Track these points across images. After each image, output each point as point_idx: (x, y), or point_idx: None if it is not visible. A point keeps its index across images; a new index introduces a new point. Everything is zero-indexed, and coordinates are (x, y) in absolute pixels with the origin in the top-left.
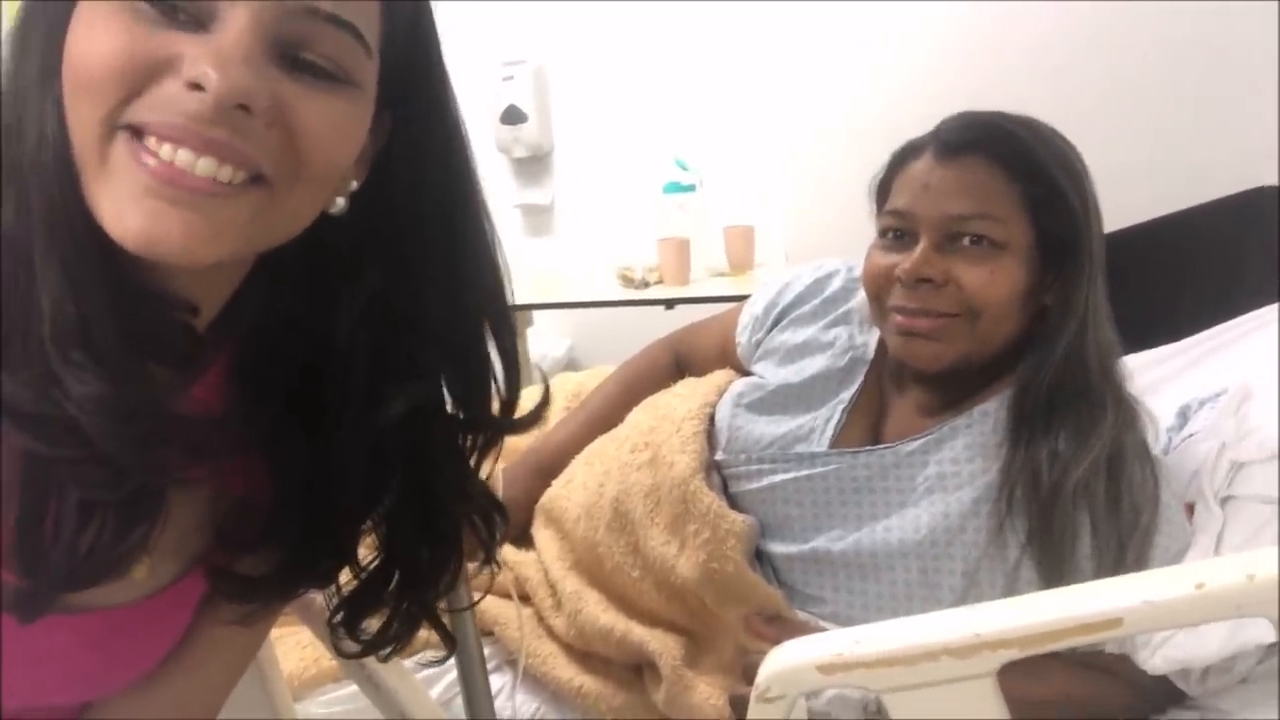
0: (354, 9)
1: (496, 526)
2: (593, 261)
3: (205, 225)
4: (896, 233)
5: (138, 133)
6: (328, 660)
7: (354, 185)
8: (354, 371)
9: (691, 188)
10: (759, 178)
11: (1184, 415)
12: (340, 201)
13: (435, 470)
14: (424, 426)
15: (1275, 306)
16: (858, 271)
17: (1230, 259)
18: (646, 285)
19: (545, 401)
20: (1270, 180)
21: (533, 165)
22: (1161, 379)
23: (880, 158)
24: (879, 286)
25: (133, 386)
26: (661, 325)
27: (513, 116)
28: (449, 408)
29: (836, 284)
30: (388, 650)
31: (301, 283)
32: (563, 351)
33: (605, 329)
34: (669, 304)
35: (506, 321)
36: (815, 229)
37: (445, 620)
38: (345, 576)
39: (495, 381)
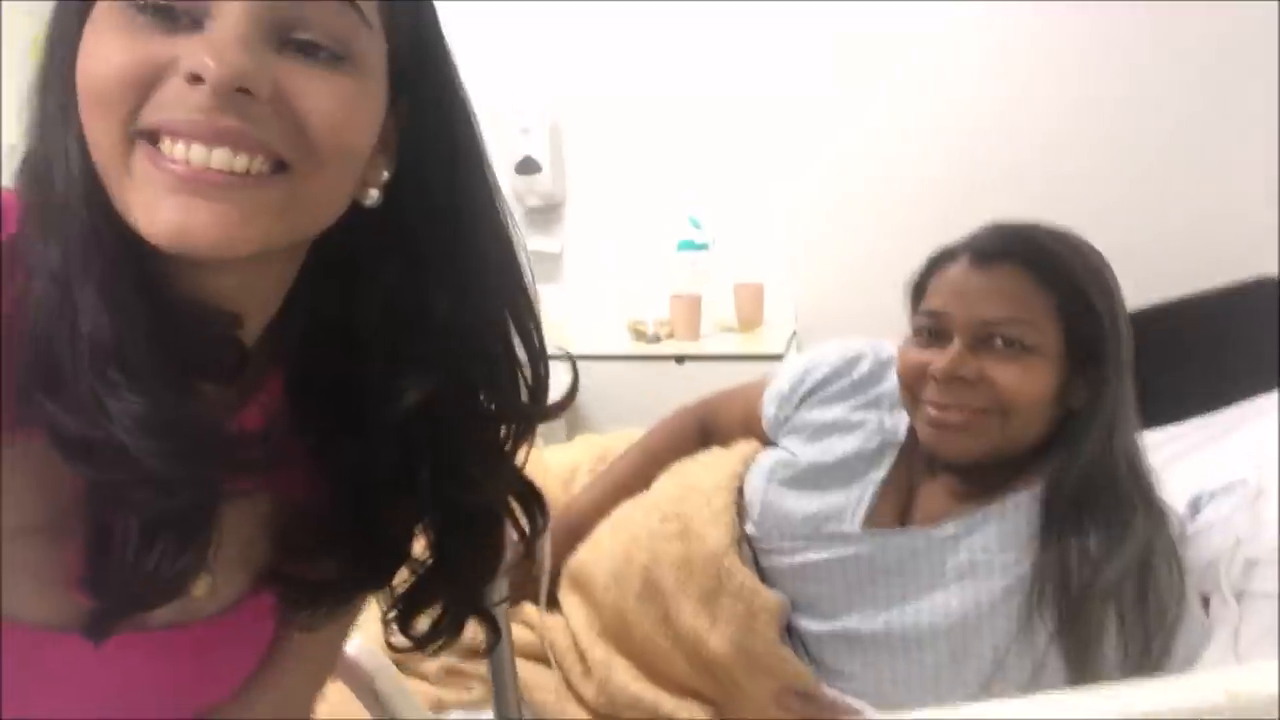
0: None
1: (536, 515)
2: (602, 312)
3: (235, 214)
4: (932, 332)
5: (154, 138)
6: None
7: (385, 175)
8: (373, 364)
9: (705, 246)
10: (769, 235)
11: (1195, 505)
12: (374, 193)
13: (467, 460)
14: (449, 418)
15: (1276, 394)
16: (885, 354)
17: (1230, 346)
18: (658, 339)
19: (574, 389)
20: (1269, 268)
21: (545, 214)
22: (1168, 460)
23: (889, 222)
24: (913, 381)
25: (172, 404)
26: (672, 379)
27: (528, 167)
28: (478, 397)
29: (865, 367)
30: (439, 644)
31: (330, 276)
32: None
33: (612, 378)
34: (680, 359)
35: (528, 309)
36: (824, 288)
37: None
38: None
39: (521, 370)
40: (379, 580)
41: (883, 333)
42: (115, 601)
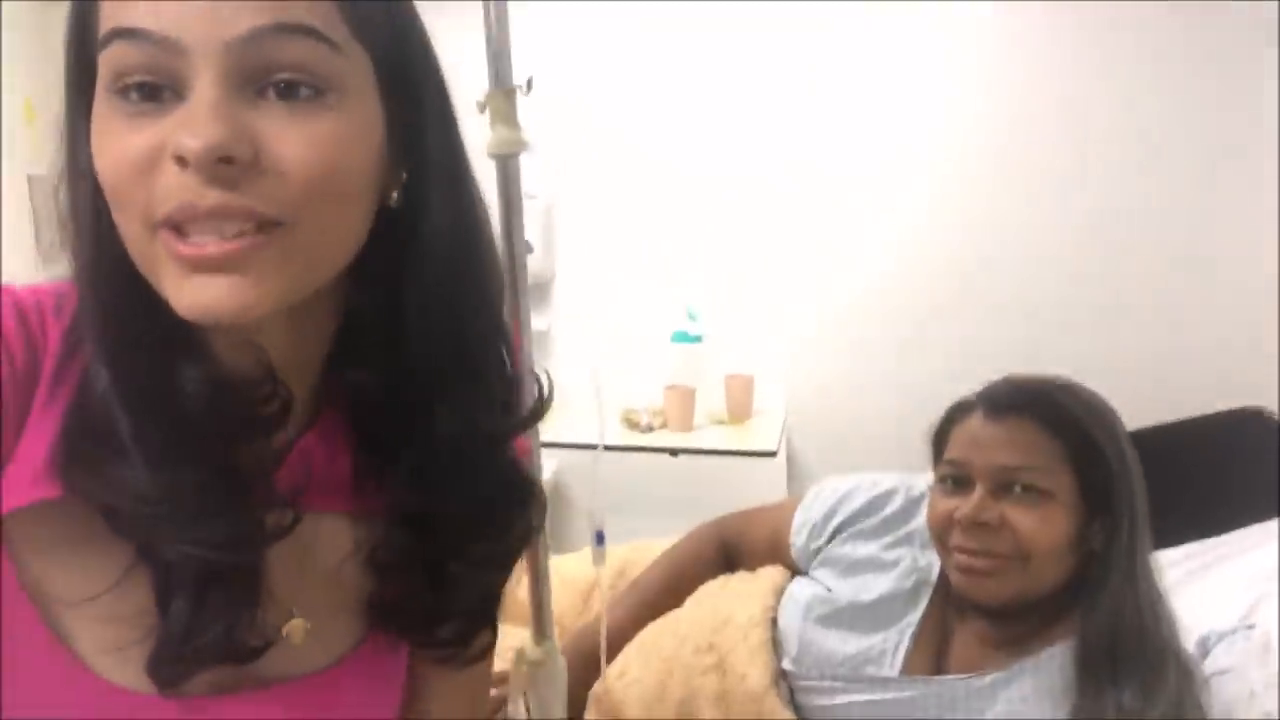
0: (303, 10)
1: (534, 506)
2: (589, 395)
3: (247, 281)
4: (955, 480)
5: (173, 226)
6: None
7: (403, 175)
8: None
9: (699, 338)
10: (760, 327)
11: (1204, 646)
12: (394, 195)
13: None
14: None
15: (1274, 523)
16: (915, 491)
17: (1222, 473)
18: (651, 429)
19: (546, 397)
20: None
21: (534, 292)
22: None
23: (880, 319)
24: (942, 528)
25: (193, 474)
26: (667, 470)
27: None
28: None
29: (897, 504)
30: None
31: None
32: (549, 474)
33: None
34: (674, 452)
35: (503, 323)
36: (814, 381)
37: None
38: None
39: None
40: (482, 598)
41: (870, 428)
42: (171, 657)
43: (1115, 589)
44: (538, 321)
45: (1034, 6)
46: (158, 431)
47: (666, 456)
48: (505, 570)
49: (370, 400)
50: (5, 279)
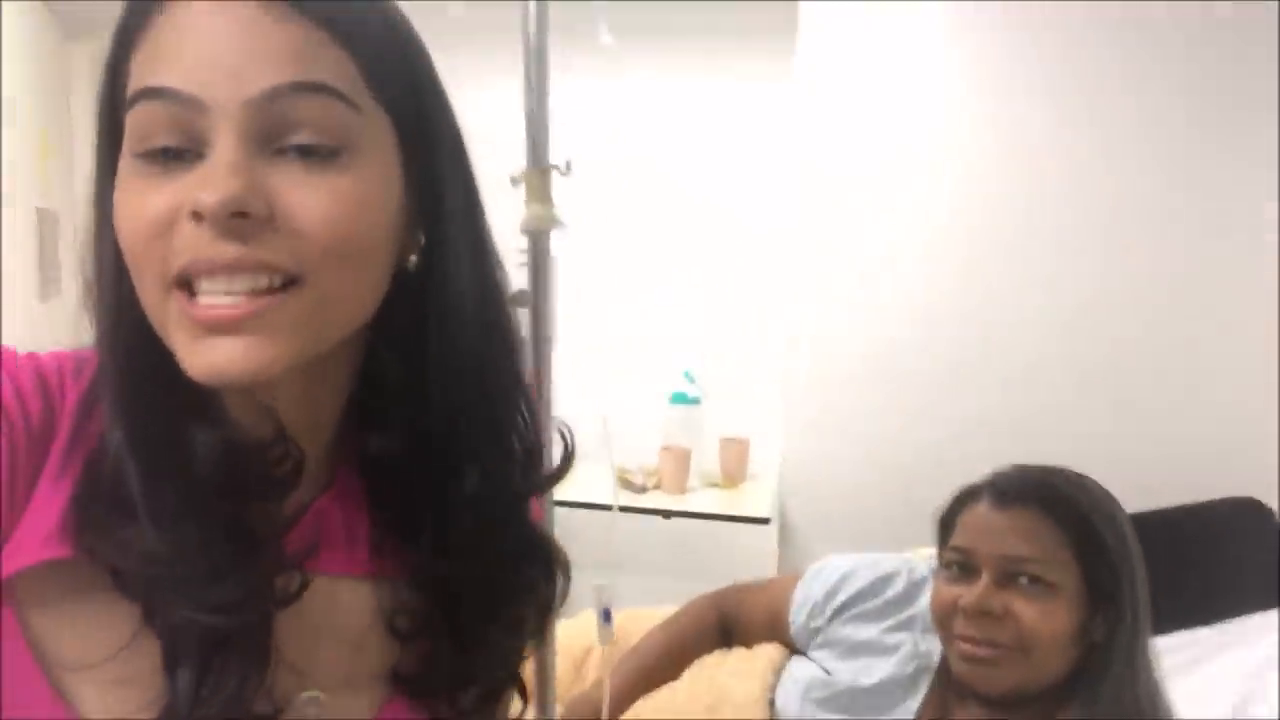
0: (322, 70)
1: (557, 568)
2: (585, 454)
3: (259, 341)
4: (960, 566)
5: (183, 286)
6: None
7: (422, 239)
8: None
9: (697, 400)
10: (756, 390)
11: None
12: (413, 259)
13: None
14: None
15: (1273, 615)
16: (917, 575)
17: (1213, 563)
18: (645, 490)
19: (570, 454)
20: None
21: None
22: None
23: (879, 389)
24: (945, 614)
25: (199, 535)
26: (658, 531)
27: (521, 300)
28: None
29: (899, 587)
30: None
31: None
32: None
33: (598, 525)
34: (668, 514)
35: (524, 383)
36: (809, 446)
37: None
38: None
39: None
40: (505, 665)
41: (864, 498)
42: None
43: (1116, 680)
44: (529, 376)
45: (1052, 82)
46: (168, 492)
47: (658, 518)
48: (529, 636)
49: (390, 462)
50: (7, 307)
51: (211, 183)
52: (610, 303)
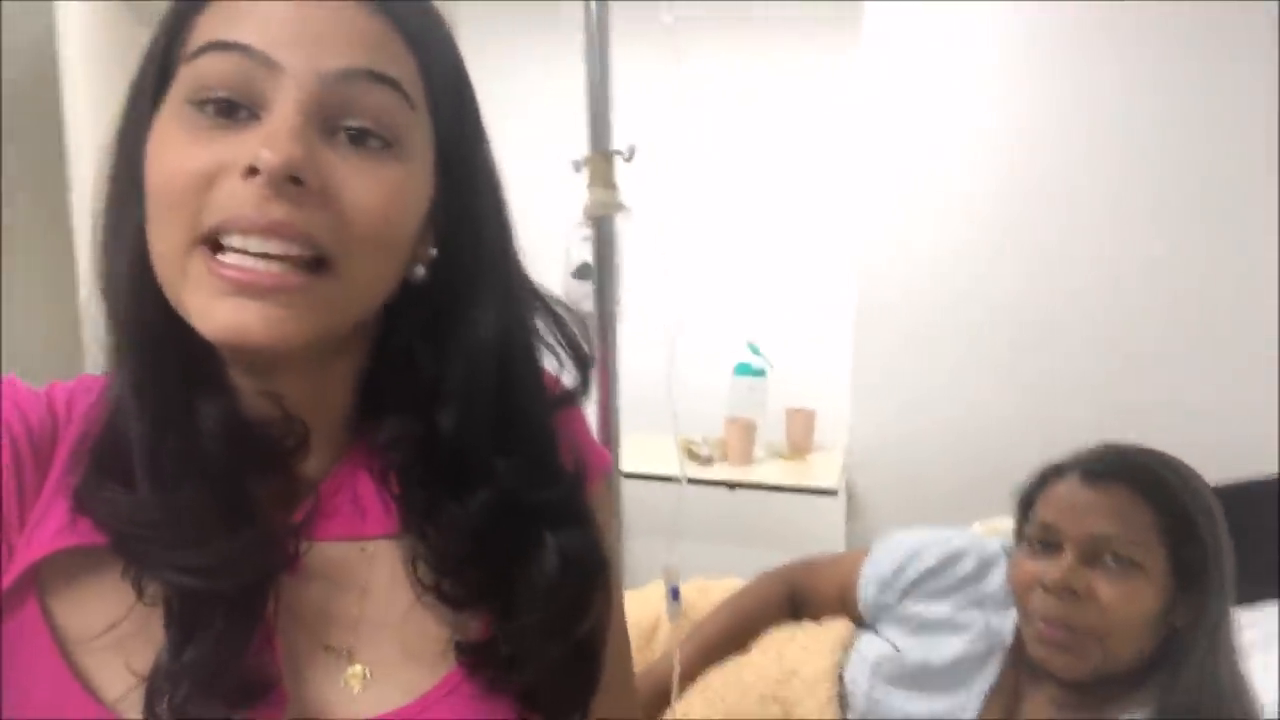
0: (392, 64)
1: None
2: (652, 426)
3: (282, 314)
4: (1044, 543)
5: (211, 245)
6: None
7: (433, 252)
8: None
9: (762, 371)
10: (823, 361)
11: None
12: (419, 270)
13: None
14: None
15: None
16: (988, 552)
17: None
18: (710, 461)
19: (585, 383)
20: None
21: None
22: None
23: (948, 359)
24: (1025, 590)
25: (192, 500)
26: (723, 502)
27: (585, 273)
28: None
29: (970, 565)
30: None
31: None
32: None
33: (663, 495)
34: (733, 486)
35: (544, 389)
36: (878, 418)
37: None
38: None
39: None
40: (559, 638)
41: (932, 470)
42: (157, 692)
43: (1197, 668)
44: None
45: (1119, 49)
46: (168, 459)
47: (723, 489)
48: (581, 611)
49: (406, 448)
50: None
51: (275, 143)
52: (676, 276)
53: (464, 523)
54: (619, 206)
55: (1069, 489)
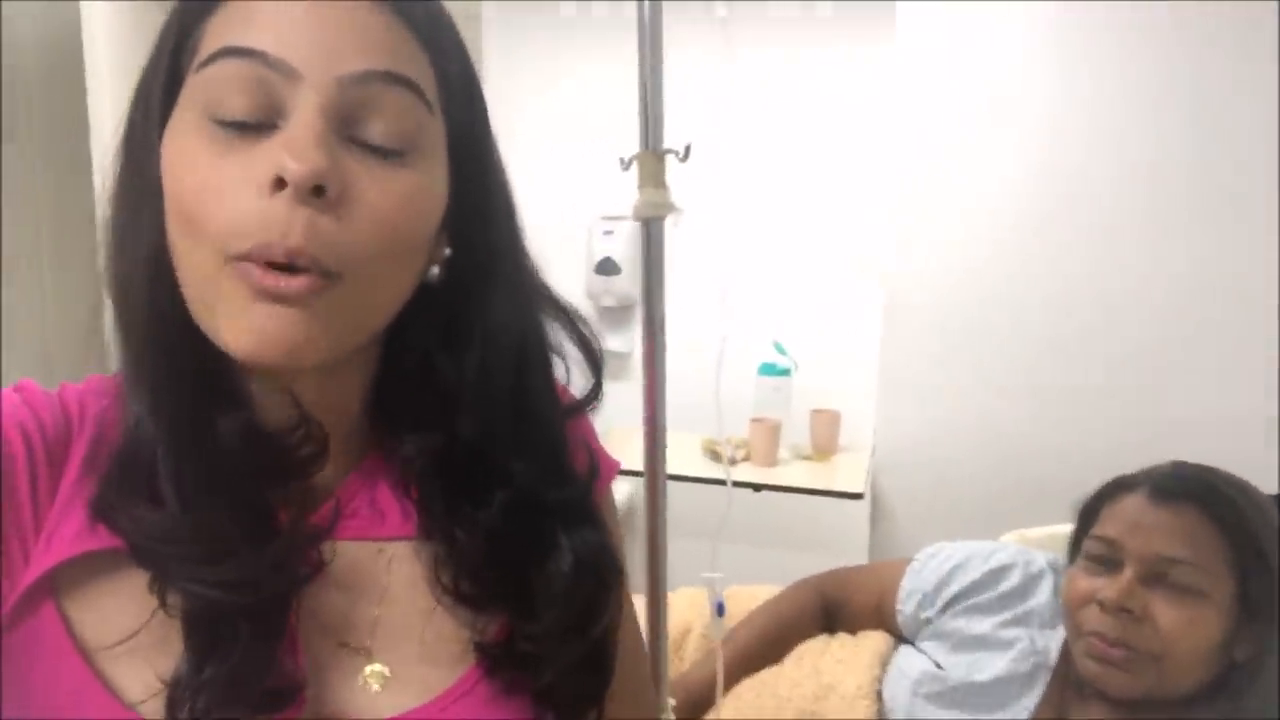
0: (409, 65)
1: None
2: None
3: (311, 318)
4: (1103, 560)
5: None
6: None
7: (447, 252)
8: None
9: (787, 371)
10: (849, 362)
11: None
12: (435, 270)
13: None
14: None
15: None
16: (1035, 568)
17: None
18: (734, 462)
19: (595, 390)
20: None
21: (619, 314)
22: None
23: (975, 362)
24: (1077, 607)
25: (213, 513)
26: (747, 504)
27: (607, 268)
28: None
29: (1015, 580)
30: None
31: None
32: (622, 499)
33: (682, 495)
34: (758, 488)
35: (555, 390)
36: (904, 421)
37: None
38: None
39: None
40: (575, 638)
41: (960, 474)
42: (178, 700)
43: (1260, 702)
44: (621, 344)
45: (1149, 44)
46: (188, 471)
47: (747, 490)
48: (596, 611)
49: (421, 457)
50: None
51: (300, 152)
52: (700, 270)
53: (483, 524)
54: (671, 208)
55: (1136, 505)
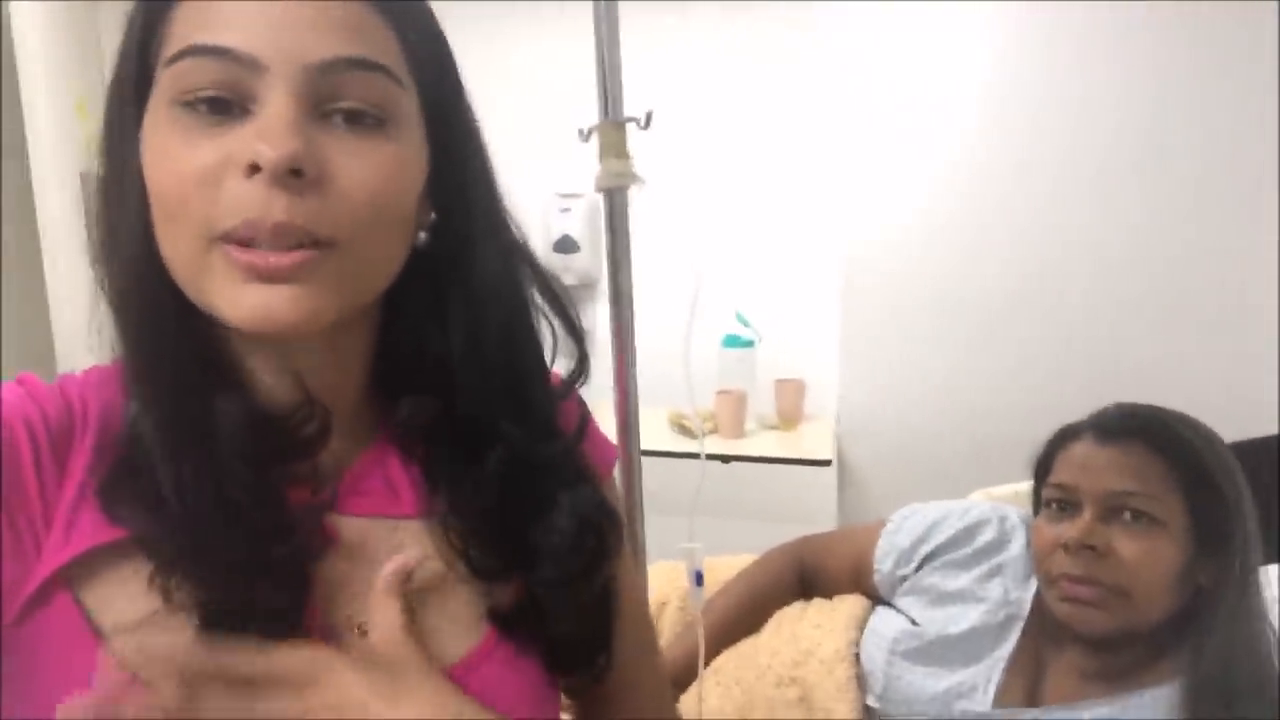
0: (376, 48)
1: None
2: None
3: (306, 292)
4: (1061, 505)
5: (233, 239)
6: None
7: (432, 216)
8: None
9: (751, 343)
10: (811, 330)
11: None
12: (422, 235)
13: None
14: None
15: None
16: (1009, 523)
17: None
18: (703, 435)
19: (584, 360)
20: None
21: (580, 293)
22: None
23: (935, 324)
24: (1046, 554)
25: (222, 501)
26: (716, 476)
27: (566, 246)
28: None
29: (989, 534)
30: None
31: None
32: None
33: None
34: (726, 459)
35: (541, 354)
36: (868, 386)
37: None
38: None
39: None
40: (588, 605)
41: (924, 436)
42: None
43: (1226, 629)
44: (584, 322)
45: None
46: (190, 460)
47: (716, 463)
48: (598, 580)
49: (421, 426)
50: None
51: (272, 138)
52: (660, 243)
53: (483, 485)
54: (634, 178)
55: (1084, 448)
